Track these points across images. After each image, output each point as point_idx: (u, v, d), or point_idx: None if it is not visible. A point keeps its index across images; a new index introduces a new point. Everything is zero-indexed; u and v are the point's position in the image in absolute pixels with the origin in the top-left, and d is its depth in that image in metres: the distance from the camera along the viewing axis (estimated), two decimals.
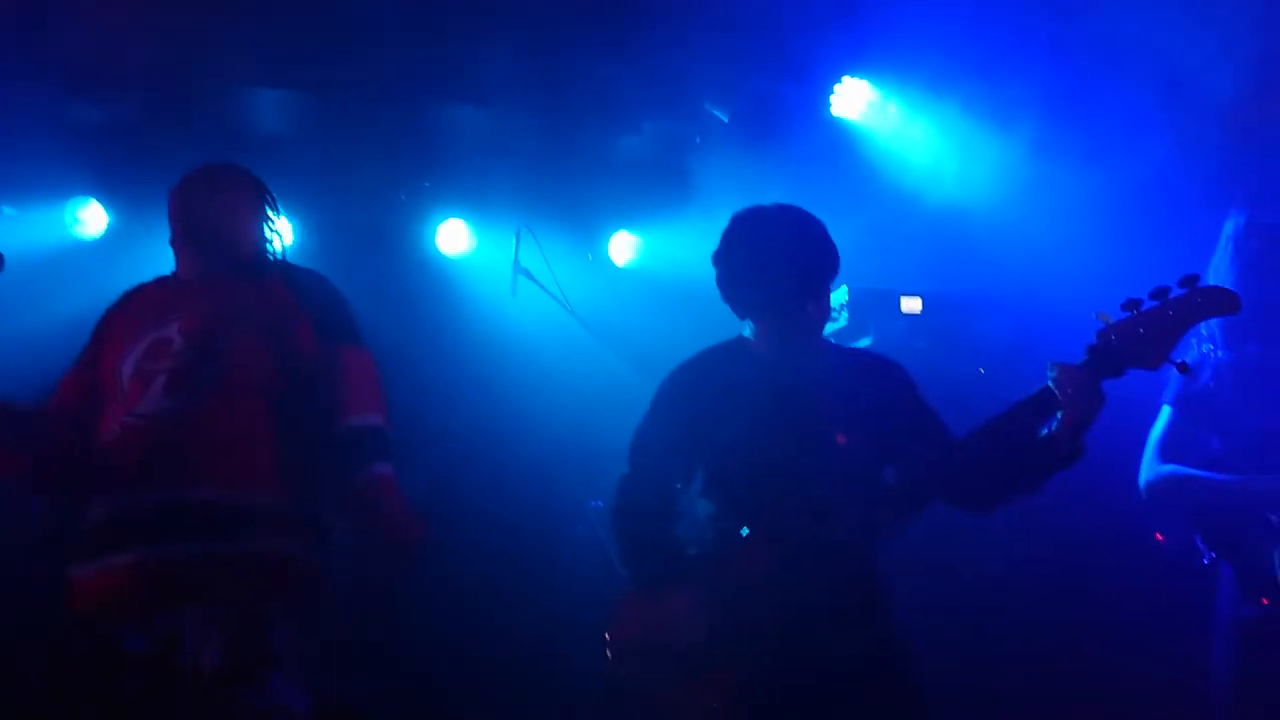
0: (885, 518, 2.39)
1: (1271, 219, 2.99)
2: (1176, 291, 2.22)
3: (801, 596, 2.32)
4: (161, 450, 2.26)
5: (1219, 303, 2.22)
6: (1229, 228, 3.05)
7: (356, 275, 4.46)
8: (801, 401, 2.48)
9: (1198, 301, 2.21)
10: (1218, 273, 3.01)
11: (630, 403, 4.68)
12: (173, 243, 2.55)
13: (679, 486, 2.61)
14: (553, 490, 4.48)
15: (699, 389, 2.59)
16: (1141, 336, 2.22)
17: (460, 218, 5.13)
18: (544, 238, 4.52)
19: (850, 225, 4.83)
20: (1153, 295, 2.23)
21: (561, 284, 4.46)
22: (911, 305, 4.20)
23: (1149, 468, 3.03)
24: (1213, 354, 3.00)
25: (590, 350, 4.58)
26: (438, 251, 5.11)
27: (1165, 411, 3.07)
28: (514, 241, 4.43)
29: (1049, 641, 4.03)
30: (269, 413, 2.31)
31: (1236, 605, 2.91)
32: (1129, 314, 2.24)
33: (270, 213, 2.64)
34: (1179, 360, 2.22)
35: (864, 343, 4.25)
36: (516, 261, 4.39)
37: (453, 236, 5.12)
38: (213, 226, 2.52)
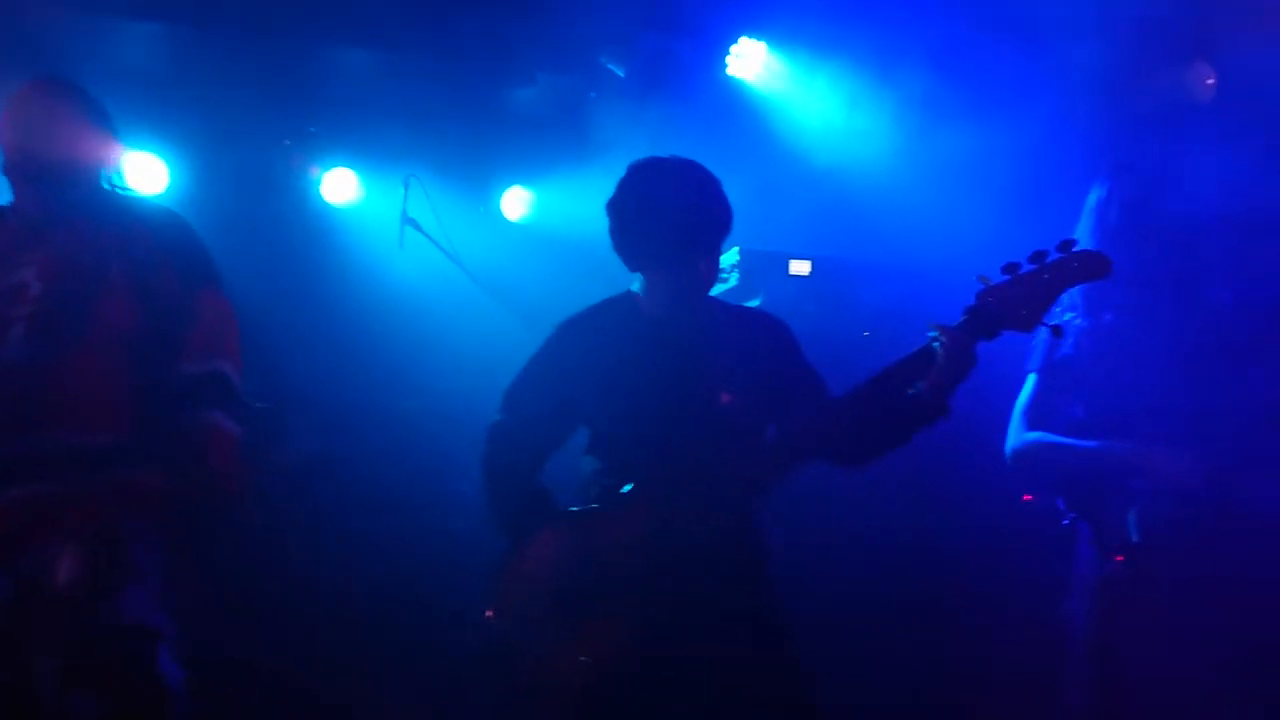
0: (765, 474, 2.41)
1: (1133, 192, 3.09)
2: (1053, 255, 2.29)
3: (680, 552, 2.33)
4: (21, 397, 2.20)
5: (1092, 267, 2.30)
6: (1092, 198, 3.15)
7: (236, 221, 4.31)
8: (687, 359, 2.49)
9: (1073, 266, 2.28)
10: (1080, 242, 3.10)
11: (521, 359, 4.68)
12: (7, 172, 2.40)
13: (552, 439, 2.60)
14: (438, 448, 4.42)
15: (586, 344, 2.57)
16: (1018, 299, 2.28)
17: (347, 166, 4.97)
18: (434, 190, 4.42)
19: (744, 186, 4.85)
20: (1030, 259, 2.30)
21: (451, 237, 4.38)
22: (800, 268, 4.26)
23: (1015, 435, 3.12)
24: (1075, 322, 3.10)
25: (480, 306, 4.51)
26: (323, 201, 4.96)
27: (1031, 379, 3.17)
28: (402, 192, 4.31)
29: (917, 600, 4.17)
30: (129, 358, 2.26)
31: (1094, 564, 3.05)
32: (1007, 277, 2.30)
33: (115, 141, 2.49)
34: (1053, 323, 2.30)
35: (753, 303, 4.28)
36: (404, 212, 4.29)
37: (339, 185, 4.96)
38: (56, 156, 2.37)
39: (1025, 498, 4.30)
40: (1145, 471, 2.90)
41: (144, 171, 4.46)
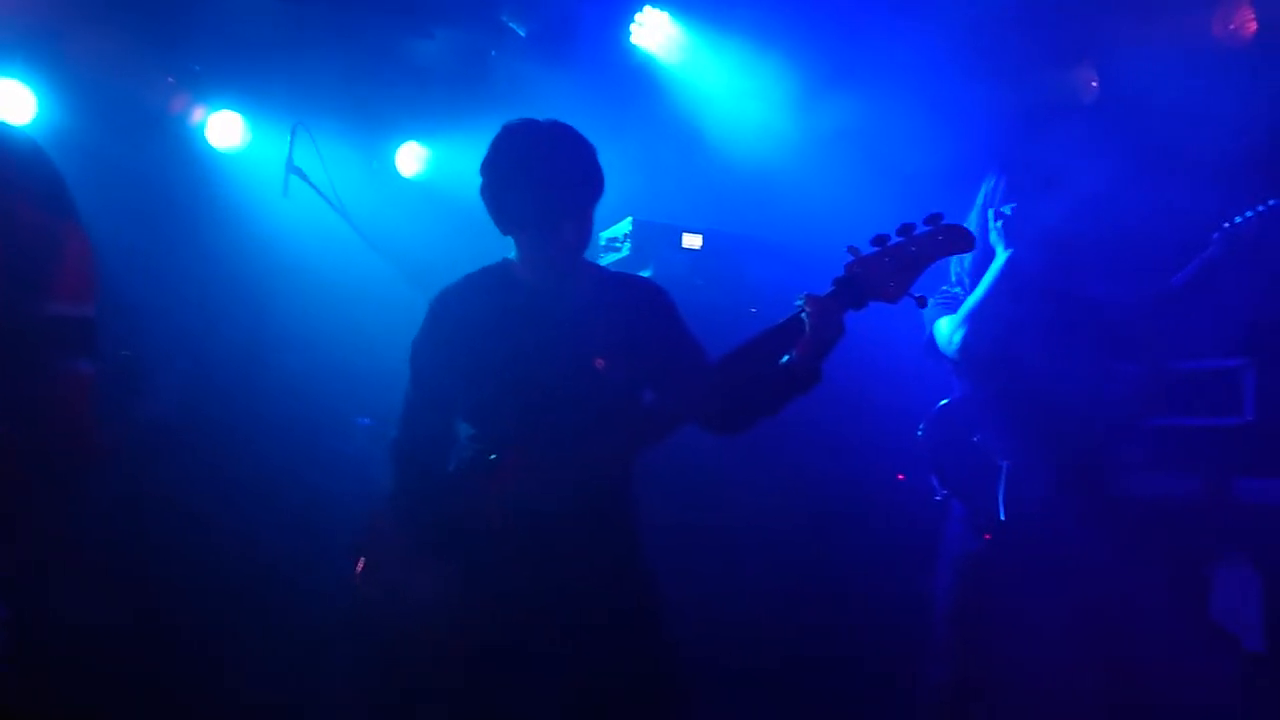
0: (637, 440, 2.42)
1: (1020, 187, 3.18)
2: (921, 229, 2.36)
3: (545, 522, 2.34)
4: None
5: (957, 240, 2.37)
6: (985, 188, 3.24)
7: (107, 159, 4.10)
8: (559, 325, 2.48)
9: (939, 239, 2.35)
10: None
11: (405, 319, 4.58)
12: None
13: (454, 414, 2.58)
14: (317, 406, 4.31)
15: (462, 311, 2.56)
16: (885, 270, 2.34)
17: (234, 109, 4.78)
18: (324, 140, 4.27)
19: (641, 157, 4.87)
20: (899, 232, 2.36)
21: (340, 191, 4.25)
22: (692, 241, 4.27)
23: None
24: (963, 296, 3.20)
25: (367, 262, 4.40)
26: (206, 144, 4.76)
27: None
28: (289, 139, 4.16)
29: (790, 572, 4.26)
30: None
31: (962, 541, 3.17)
32: (875, 249, 2.35)
33: None
34: (918, 294, 2.35)
35: (645, 274, 4.29)
36: (290, 161, 4.15)
37: (224, 129, 4.77)
38: None
39: (899, 477, 4.45)
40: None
41: (8, 99, 4.20)
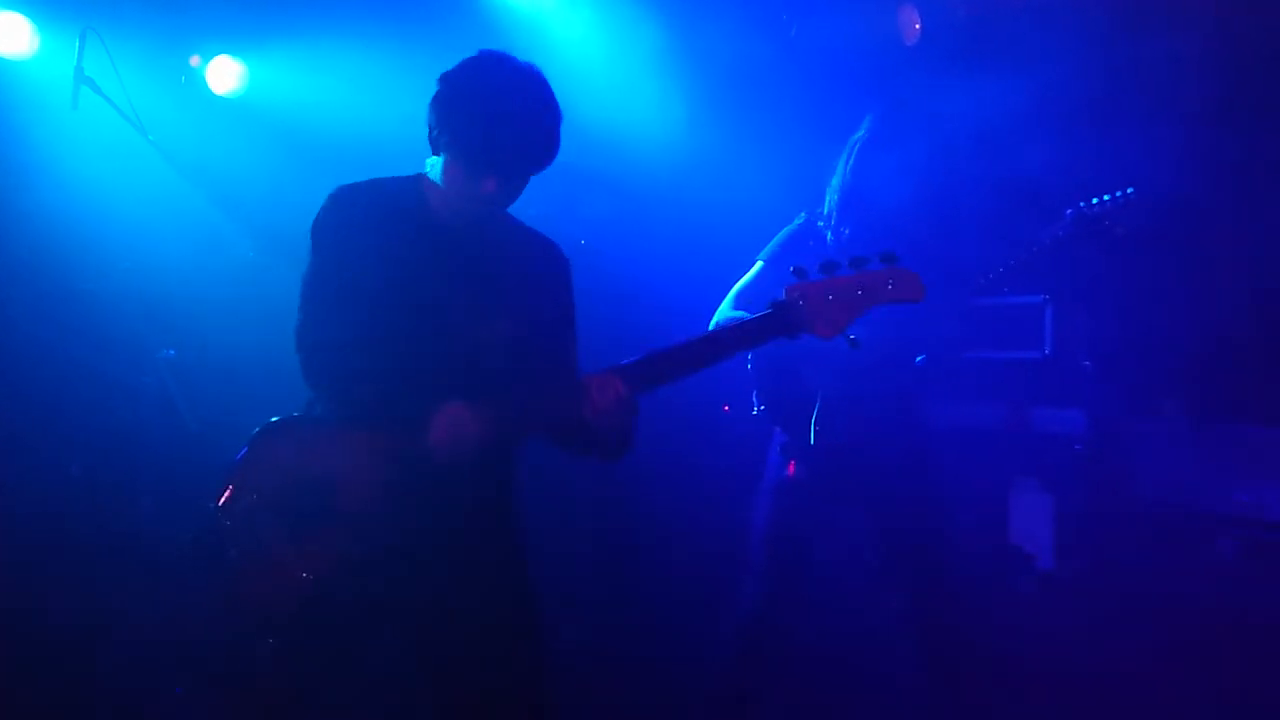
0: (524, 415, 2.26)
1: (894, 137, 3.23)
2: (875, 266, 2.21)
3: (410, 482, 2.21)
4: None
5: (907, 289, 2.22)
6: (856, 136, 3.26)
7: None
8: (466, 268, 2.31)
9: (888, 285, 2.22)
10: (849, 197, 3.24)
11: (211, 246, 4.33)
12: None
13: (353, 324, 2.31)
14: (115, 336, 4.03)
15: (368, 214, 2.31)
16: (826, 306, 2.20)
17: (18, 10, 4.34)
18: (122, 49, 3.94)
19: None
20: (852, 263, 2.21)
21: (140, 107, 3.94)
22: None
23: (722, 310, 3.28)
24: (826, 234, 3.26)
25: (169, 185, 4.11)
26: None
27: (757, 265, 3.32)
28: (78, 45, 3.82)
29: (622, 510, 4.32)
30: None
31: (779, 468, 3.27)
32: (821, 278, 2.21)
33: None
34: (851, 335, 2.22)
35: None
36: (79, 69, 3.81)
37: (7, 32, 4.33)
38: None
39: (724, 408, 4.54)
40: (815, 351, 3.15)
41: None
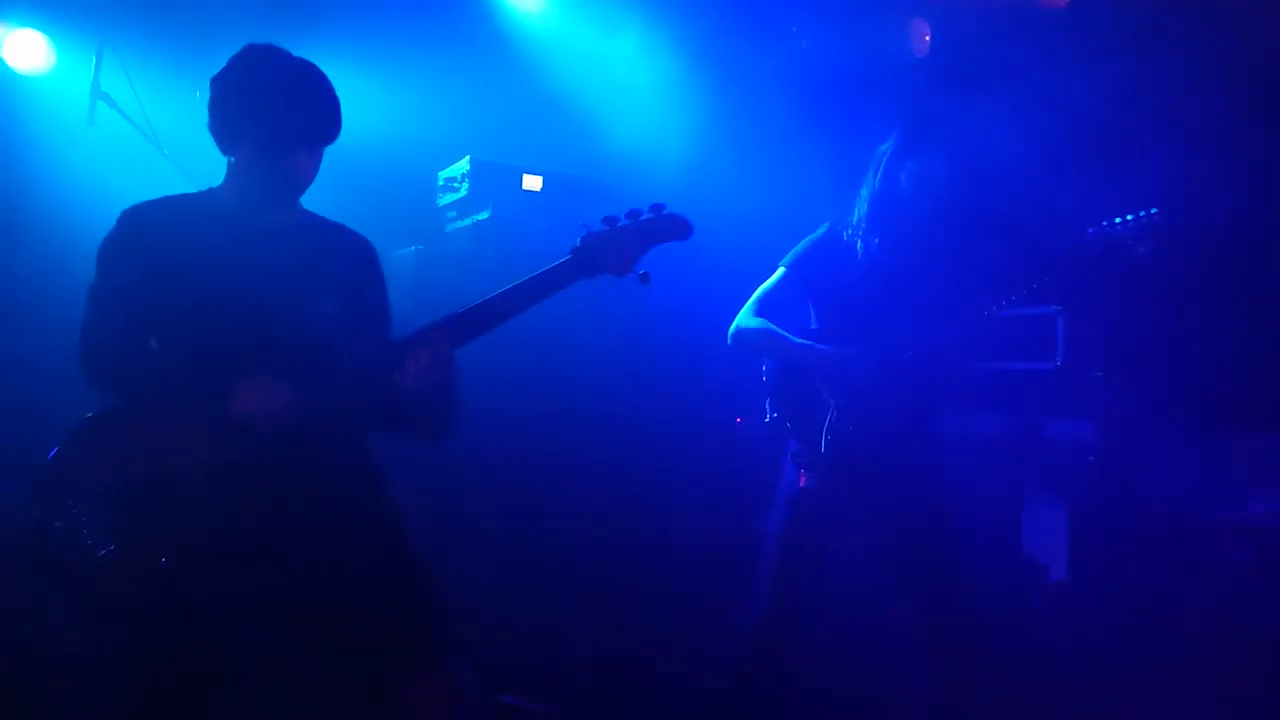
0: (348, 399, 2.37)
1: (920, 157, 3.24)
2: (645, 215, 2.52)
3: (233, 470, 2.29)
4: None
5: (676, 229, 2.54)
6: (885, 149, 3.28)
7: None
8: (271, 264, 2.41)
9: (657, 227, 2.52)
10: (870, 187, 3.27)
11: None
12: None
13: (146, 328, 2.43)
14: None
15: (163, 230, 2.41)
16: (611, 249, 2.49)
17: (35, 27, 4.40)
18: (136, 65, 3.98)
19: (480, 95, 4.74)
20: (628, 215, 2.52)
21: (156, 122, 3.97)
22: (532, 183, 4.19)
23: (743, 316, 3.30)
24: (856, 243, 3.27)
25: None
26: (5, 65, 4.37)
27: (780, 271, 3.34)
28: (94, 61, 3.86)
29: (641, 518, 4.31)
30: None
31: (792, 477, 3.28)
32: (604, 228, 2.50)
33: None
34: (642, 271, 2.51)
35: (483, 216, 4.20)
36: (96, 85, 3.85)
37: (25, 48, 4.38)
38: None
39: (738, 420, 4.54)
40: (830, 371, 3.16)
41: None
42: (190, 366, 2.33)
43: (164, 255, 2.37)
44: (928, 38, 4.60)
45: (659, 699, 3.81)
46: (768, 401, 3.29)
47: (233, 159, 2.48)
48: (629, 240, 2.50)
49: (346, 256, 2.57)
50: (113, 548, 2.23)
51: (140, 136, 3.97)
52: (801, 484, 3.21)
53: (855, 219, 3.29)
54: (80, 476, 2.26)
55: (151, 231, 2.41)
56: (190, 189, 3.93)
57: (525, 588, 3.94)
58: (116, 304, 2.40)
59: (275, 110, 2.39)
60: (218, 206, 2.47)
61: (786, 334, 3.23)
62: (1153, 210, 3.20)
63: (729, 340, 3.31)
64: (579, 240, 2.49)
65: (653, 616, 4.18)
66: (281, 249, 2.44)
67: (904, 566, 3.23)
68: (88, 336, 2.41)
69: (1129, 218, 3.23)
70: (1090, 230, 3.33)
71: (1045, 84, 4.19)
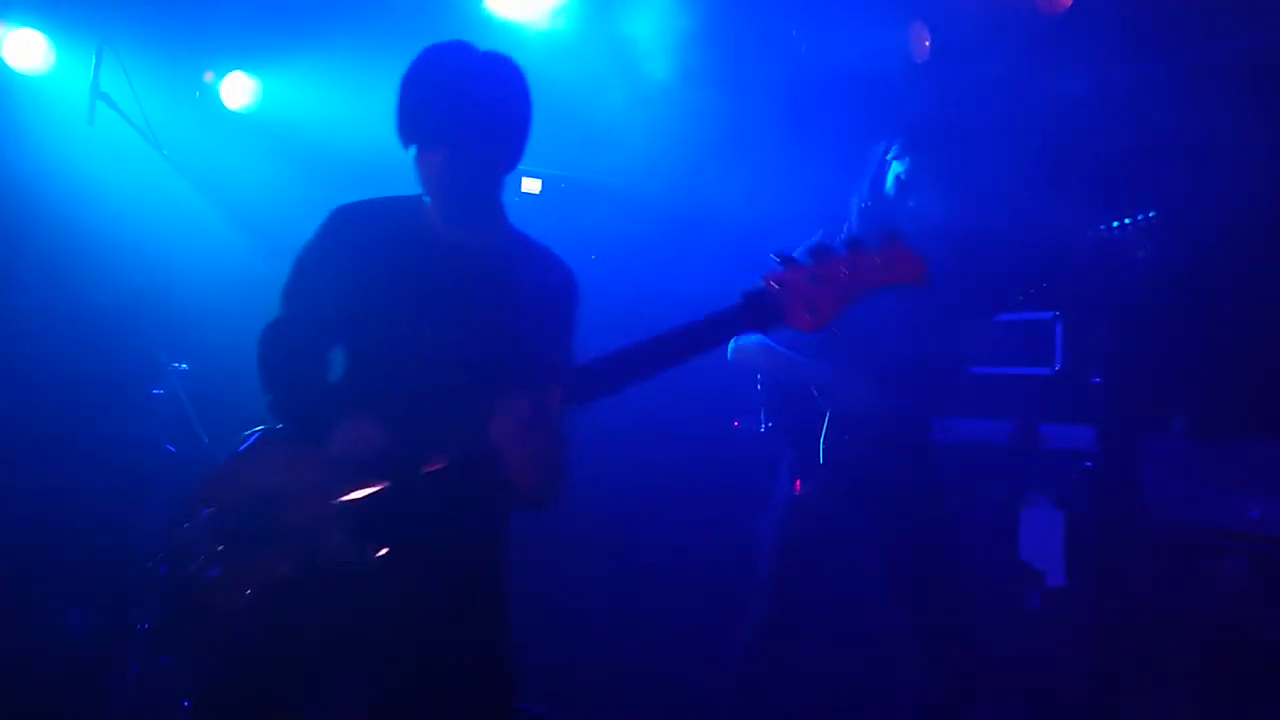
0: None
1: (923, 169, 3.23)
2: (872, 247, 1.91)
3: (386, 505, 2.11)
4: None
5: (905, 270, 1.90)
6: (892, 162, 3.25)
7: None
8: (470, 288, 2.20)
9: (881, 267, 1.89)
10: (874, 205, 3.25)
11: (223, 259, 4.36)
12: None
13: (332, 336, 2.27)
14: (128, 349, 4.06)
15: (365, 236, 2.24)
16: (810, 289, 1.91)
17: (34, 27, 4.40)
18: (138, 65, 3.99)
19: None
20: (848, 244, 1.92)
21: (155, 121, 3.98)
22: (531, 186, 4.20)
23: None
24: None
25: (183, 199, 4.15)
26: (4, 64, 4.37)
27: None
28: (94, 61, 3.86)
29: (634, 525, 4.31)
30: None
31: (788, 485, 3.28)
32: (809, 263, 1.92)
33: None
34: (835, 329, 1.99)
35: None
36: (95, 85, 3.85)
37: (24, 48, 4.38)
38: None
39: (734, 423, 4.54)
40: (824, 384, 3.16)
41: None
42: (347, 397, 2.17)
43: (357, 268, 2.20)
44: (927, 43, 4.60)
45: (655, 702, 3.81)
46: (763, 411, 3.28)
47: (423, 169, 2.21)
48: (836, 279, 1.89)
49: (540, 293, 2.26)
50: (218, 573, 2.11)
51: (139, 136, 3.97)
52: (797, 491, 3.21)
53: (848, 226, 3.29)
54: (223, 491, 2.17)
55: (352, 236, 2.24)
56: (190, 189, 3.96)
57: (520, 591, 3.94)
58: (304, 308, 2.26)
59: (428, 103, 2.15)
60: (425, 221, 2.25)
61: (780, 348, 3.21)
62: (1150, 214, 3.21)
63: (729, 355, 3.30)
64: (764, 281, 1.92)
65: (648, 619, 4.18)
66: (473, 281, 2.21)
67: (899, 572, 3.24)
68: (267, 339, 2.29)
69: (1127, 221, 3.23)
70: (1089, 234, 3.34)
71: (1043, 89, 4.19)
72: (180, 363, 3.91)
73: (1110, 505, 3.89)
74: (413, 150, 2.20)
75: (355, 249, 2.23)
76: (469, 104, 2.15)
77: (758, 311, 1.94)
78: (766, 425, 3.27)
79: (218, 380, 4.10)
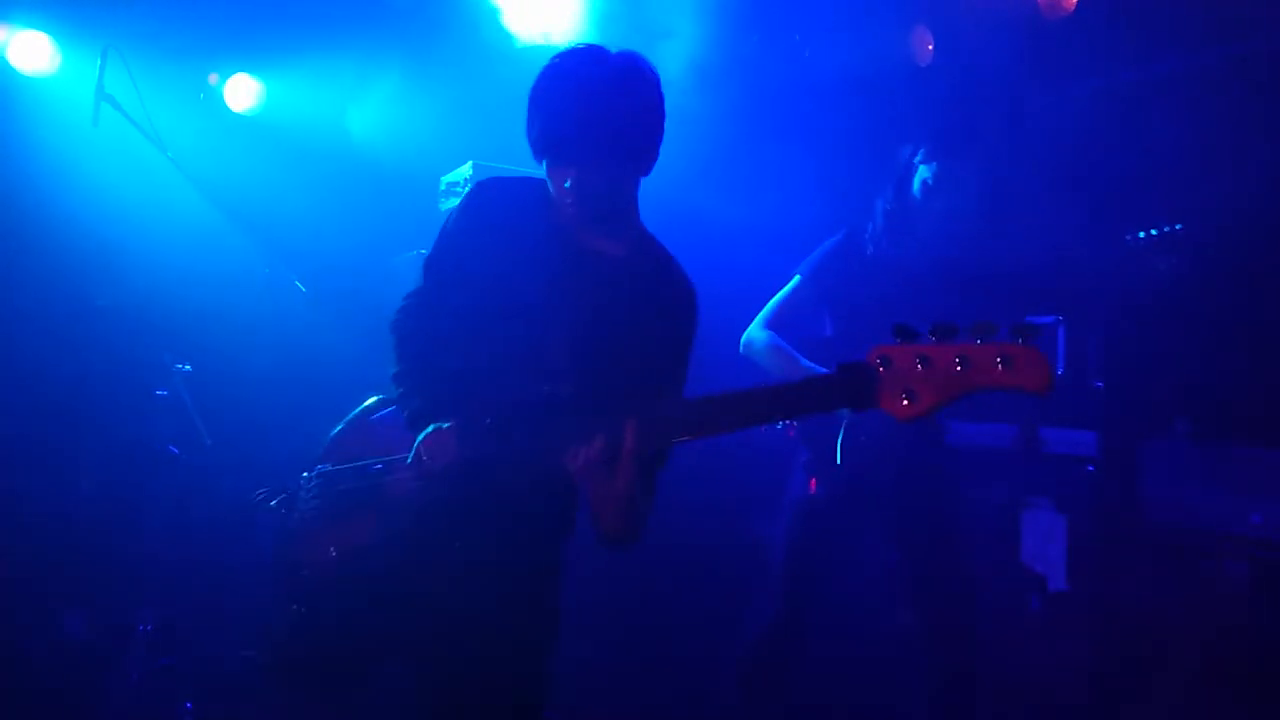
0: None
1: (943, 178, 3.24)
2: (997, 336, 1.68)
3: (478, 495, 2.10)
4: None
5: (1026, 374, 1.64)
6: (918, 169, 3.26)
7: None
8: (590, 285, 2.14)
9: (997, 363, 1.64)
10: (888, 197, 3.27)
11: (227, 261, 4.37)
12: None
13: (457, 320, 2.23)
14: (132, 350, 4.07)
15: (503, 224, 2.18)
16: (916, 373, 1.71)
17: (40, 29, 4.41)
18: (142, 67, 4.00)
19: (484, 99, 4.75)
20: (974, 330, 1.67)
21: (160, 124, 3.99)
22: None
23: (755, 326, 3.29)
24: (873, 251, 3.27)
25: (187, 201, 4.16)
26: (9, 67, 4.39)
27: (795, 280, 3.32)
28: (99, 63, 3.88)
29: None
30: None
31: (802, 486, 3.29)
32: (930, 340, 1.71)
33: None
34: (940, 421, 1.87)
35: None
36: (100, 87, 3.86)
37: (30, 50, 4.40)
38: None
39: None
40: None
41: None
42: (458, 389, 2.13)
43: (494, 253, 2.15)
44: (930, 46, 4.60)
45: (670, 704, 3.81)
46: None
47: (555, 183, 2.11)
48: (946, 367, 1.67)
49: (660, 307, 2.19)
50: (307, 521, 2.24)
51: (144, 138, 3.98)
52: (812, 491, 3.22)
53: (873, 227, 3.29)
54: (342, 450, 2.27)
55: (493, 217, 2.18)
56: (194, 191, 3.97)
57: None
58: (440, 284, 2.24)
59: (553, 122, 2.05)
60: (560, 217, 2.15)
61: (794, 353, 3.21)
62: (1176, 226, 3.20)
63: (741, 349, 3.31)
64: (879, 360, 1.73)
65: (656, 619, 4.18)
66: (603, 292, 2.14)
67: (910, 573, 3.24)
68: (405, 306, 2.30)
69: (1153, 232, 3.23)
70: (1114, 244, 3.35)
71: (1058, 96, 4.19)
72: (184, 364, 3.92)
73: (1111, 509, 3.90)
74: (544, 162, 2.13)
75: (495, 231, 2.17)
76: (596, 125, 2.03)
77: (851, 389, 1.77)
78: (783, 424, 3.27)
79: (221, 382, 4.12)
